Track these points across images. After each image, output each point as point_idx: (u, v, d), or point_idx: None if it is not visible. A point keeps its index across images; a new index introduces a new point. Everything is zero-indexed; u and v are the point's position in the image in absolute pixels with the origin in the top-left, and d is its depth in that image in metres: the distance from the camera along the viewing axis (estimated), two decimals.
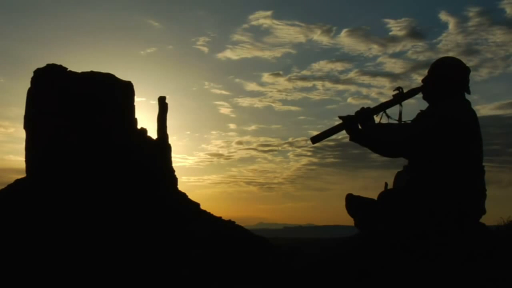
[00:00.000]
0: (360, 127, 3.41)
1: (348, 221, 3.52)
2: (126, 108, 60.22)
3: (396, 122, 3.43)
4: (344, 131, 3.44)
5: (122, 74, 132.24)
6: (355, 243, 3.53)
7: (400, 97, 3.44)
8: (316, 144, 3.51)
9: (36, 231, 45.01)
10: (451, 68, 3.34)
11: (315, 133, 3.52)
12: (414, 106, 3.61)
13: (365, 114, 3.41)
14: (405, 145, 3.23)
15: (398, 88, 3.46)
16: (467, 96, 3.37)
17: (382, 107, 3.46)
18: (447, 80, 3.32)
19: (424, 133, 3.18)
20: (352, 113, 3.42)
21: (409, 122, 3.40)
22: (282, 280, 3.96)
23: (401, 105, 3.45)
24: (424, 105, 3.45)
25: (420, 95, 3.45)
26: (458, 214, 3.14)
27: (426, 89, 3.40)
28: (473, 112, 3.28)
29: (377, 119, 3.45)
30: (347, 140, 3.43)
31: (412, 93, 3.45)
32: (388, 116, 3.45)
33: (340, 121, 3.44)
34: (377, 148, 3.33)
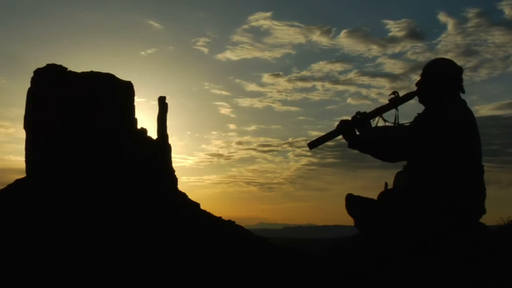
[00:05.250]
0: (357, 132, 3.41)
1: (348, 221, 3.52)
2: (126, 108, 60.24)
3: (393, 125, 3.44)
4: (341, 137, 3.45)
5: (122, 74, 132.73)
6: (355, 243, 3.53)
7: (396, 101, 3.45)
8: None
9: (36, 231, 45.00)
10: (444, 68, 3.34)
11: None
12: (412, 107, 3.62)
13: (361, 119, 3.41)
14: (401, 146, 3.23)
15: (394, 92, 3.47)
16: (463, 96, 3.37)
17: (378, 112, 3.46)
18: (440, 81, 3.32)
19: (419, 133, 3.18)
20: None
21: (407, 123, 3.40)
22: (282, 280, 3.96)
23: (397, 109, 3.45)
24: (422, 108, 3.46)
25: (417, 99, 3.46)
26: (458, 213, 3.15)
27: (421, 92, 3.41)
28: (468, 111, 3.29)
29: (373, 123, 3.45)
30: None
31: (407, 97, 3.45)
32: (385, 120, 3.46)
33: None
34: (375, 151, 3.32)
